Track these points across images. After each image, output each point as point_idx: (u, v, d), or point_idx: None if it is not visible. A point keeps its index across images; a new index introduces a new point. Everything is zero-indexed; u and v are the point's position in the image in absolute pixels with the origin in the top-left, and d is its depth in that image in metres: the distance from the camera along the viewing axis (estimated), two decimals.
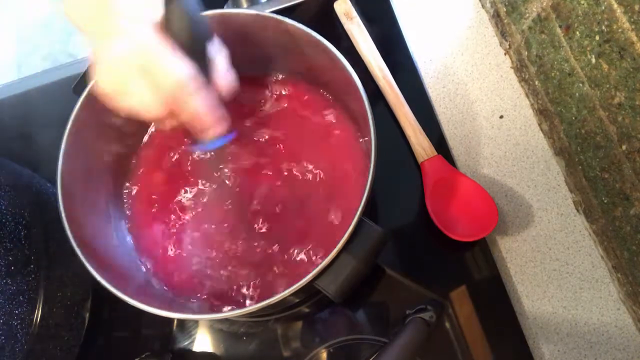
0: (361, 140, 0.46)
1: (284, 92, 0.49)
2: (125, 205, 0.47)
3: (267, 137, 0.48)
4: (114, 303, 0.36)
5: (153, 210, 0.47)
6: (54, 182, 0.39)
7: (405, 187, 0.53)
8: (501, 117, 0.55)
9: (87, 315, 0.49)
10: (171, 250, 0.45)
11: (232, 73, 0.37)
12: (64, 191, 0.39)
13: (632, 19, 0.36)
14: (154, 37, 0.30)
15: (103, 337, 0.50)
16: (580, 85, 0.44)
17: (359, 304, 0.49)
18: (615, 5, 0.37)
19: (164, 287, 0.44)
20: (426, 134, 0.53)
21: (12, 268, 0.42)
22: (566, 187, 0.52)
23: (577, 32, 0.43)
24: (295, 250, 0.44)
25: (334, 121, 0.47)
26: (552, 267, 0.50)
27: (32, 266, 0.42)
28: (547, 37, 0.48)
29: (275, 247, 0.44)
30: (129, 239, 0.46)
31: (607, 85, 0.41)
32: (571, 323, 0.48)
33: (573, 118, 0.47)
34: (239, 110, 0.49)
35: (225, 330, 0.50)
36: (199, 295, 0.43)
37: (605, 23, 0.39)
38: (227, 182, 0.47)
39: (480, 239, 0.49)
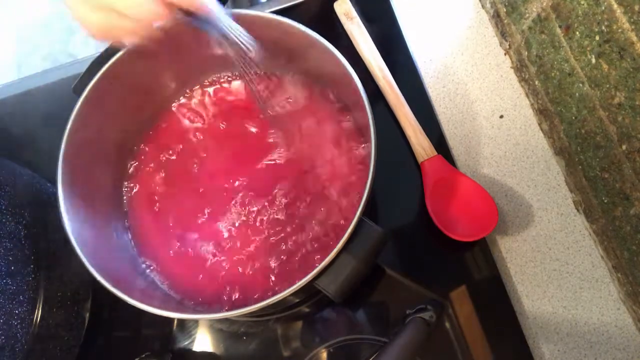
0: (361, 139, 0.46)
1: (283, 92, 0.49)
2: (125, 205, 0.47)
3: (266, 136, 0.48)
4: (114, 303, 0.36)
5: (153, 209, 0.47)
6: (54, 182, 0.39)
7: (405, 187, 0.53)
8: (501, 117, 0.55)
9: (87, 315, 0.49)
10: (171, 249, 0.45)
11: None
12: (64, 191, 0.39)
13: (632, 19, 0.36)
14: None
15: (103, 337, 0.50)
16: (580, 85, 0.44)
17: (359, 304, 0.49)
18: (615, 6, 0.37)
19: (165, 287, 0.44)
20: (426, 134, 0.53)
21: (12, 268, 0.42)
22: (566, 187, 0.52)
23: (577, 32, 0.43)
24: (296, 250, 0.44)
25: (333, 121, 0.47)
26: (552, 267, 0.50)
27: (32, 266, 0.42)
28: (547, 37, 0.48)
29: (276, 244, 0.44)
30: (129, 238, 0.46)
31: (607, 85, 0.41)
32: (571, 323, 0.48)
33: (573, 118, 0.47)
34: (239, 109, 0.49)
35: (225, 330, 0.50)
36: (200, 294, 0.43)
37: (605, 23, 0.39)
38: (226, 180, 0.47)
39: (480, 239, 0.49)
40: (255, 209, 0.45)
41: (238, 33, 0.38)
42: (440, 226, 0.49)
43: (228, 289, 0.43)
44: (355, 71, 0.39)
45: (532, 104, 0.55)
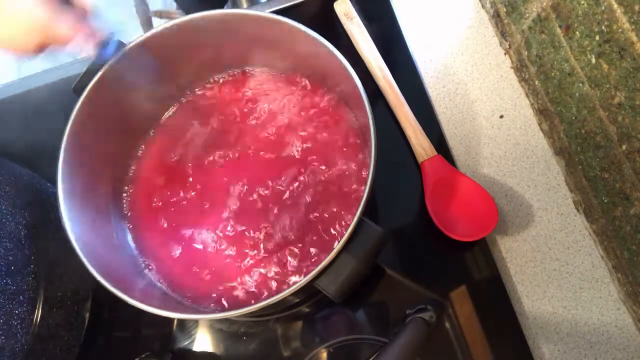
0: (361, 139, 0.46)
1: (283, 92, 0.49)
2: (125, 205, 0.47)
3: (265, 135, 0.48)
4: (114, 303, 0.36)
5: (152, 209, 0.47)
6: (54, 182, 0.39)
7: (405, 187, 0.53)
8: (501, 117, 0.55)
9: (87, 315, 0.49)
10: (171, 250, 0.45)
11: None
12: (64, 191, 0.39)
13: (632, 19, 0.36)
14: None
15: (103, 337, 0.50)
16: (580, 85, 0.44)
17: (359, 304, 0.49)
18: (615, 6, 0.37)
19: (164, 287, 0.44)
20: (426, 134, 0.53)
21: (12, 268, 0.42)
22: (566, 187, 0.52)
23: (577, 32, 0.43)
24: (295, 250, 0.44)
25: (333, 121, 0.47)
26: (552, 267, 0.50)
27: (32, 266, 0.42)
28: (547, 37, 0.48)
29: (276, 244, 0.44)
30: (129, 238, 0.46)
31: (607, 85, 0.41)
32: (571, 323, 0.48)
33: (573, 118, 0.47)
34: (238, 109, 0.49)
35: (225, 330, 0.50)
36: (200, 294, 0.43)
37: (605, 23, 0.39)
38: (226, 181, 0.47)
39: (480, 239, 0.49)
40: (254, 209, 0.45)
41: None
42: (440, 226, 0.49)
43: (228, 289, 0.43)
44: (355, 71, 0.39)
45: (532, 104, 0.55)
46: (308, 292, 0.47)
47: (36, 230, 0.44)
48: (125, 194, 0.48)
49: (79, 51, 0.36)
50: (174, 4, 1.31)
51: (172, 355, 0.49)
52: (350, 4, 0.58)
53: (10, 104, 0.59)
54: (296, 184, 0.45)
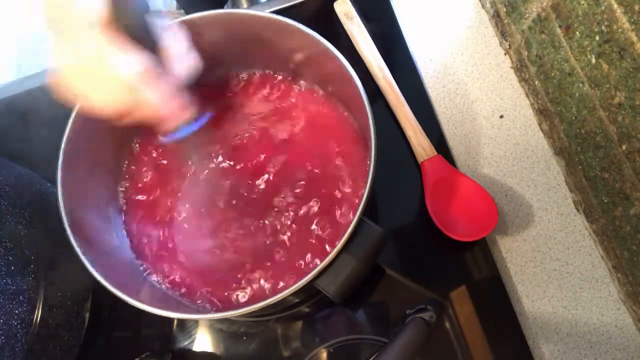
0: (361, 140, 0.46)
1: (283, 92, 0.49)
2: (124, 205, 0.47)
3: (264, 135, 0.48)
4: (114, 303, 0.36)
5: (151, 210, 0.47)
6: (54, 182, 0.39)
7: (405, 187, 0.53)
8: (501, 117, 0.55)
9: (87, 315, 0.49)
10: (170, 250, 0.45)
11: (191, 55, 0.37)
12: (64, 191, 0.39)
13: (632, 19, 0.36)
14: (102, 39, 0.31)
15: (103, 337, 0.50)
16: (580, 85, 0.44)
17: (359, 304, 0.49)
18: (615, 6, 0.37)
19: (164, 287, 0.44)
20: (426, 134, 0.53)
21: (12, 268, 0.42)
22: (566, 187, 0.52)
23: (577, 32, 0.43)
24: (295, 250, 0.44)
25: (333, 121, 0.47)
26: (552, 267, 0.50)
27: (32, 266, 0.42)
28: (547, 37, 0.48)
29: (276, 245, 0.44)
30: (127, 239, 0.46)
31: (607, 85, 0.41)
32: (571, 323, 0.48)
33: (573, 118, 0.47)
34: (237, 108, 0.49)
35: (225, 330, 0.50)
36: (199, 293, 0.43)
37: (605, 23, 0.39)
38: (226, 181, 0.47)
39: (480, 239, 0.49)
40: (253, 209, 0.45)
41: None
42: (440, 226, 0.49)
43: (227, 288, 0.43)
44: (355, 71, 0.39)
45: (532, 104, 0.55)
46: (308, 292, 0.47)
47: (36, 230, 0.44)
48: (122, 194, 0.48)
49: (167, 126, 0.36)
50: (174, 4, 1.31)
51: (172, 355, 0.49)
52: (350, 4, 0.58)
53: (10, 104, 0.59)
54: (295, 184, 0.45)
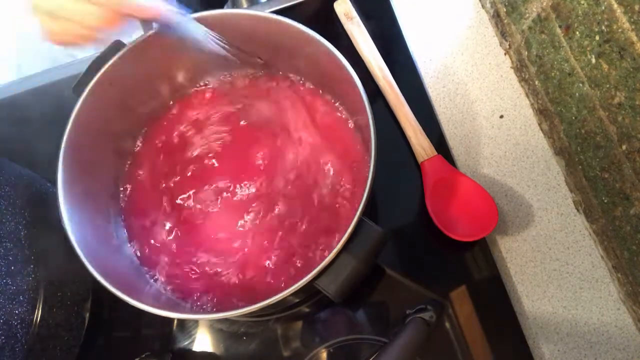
0: (361, 140, 0.46)
1: (283, 92, 0.49)
2: (123, 205, 0.47)
3: (263, 135, 0.48)
4: (114, 303, 0.36)
5: (151, 210, 0.47)
6: (54, 182, 0.39)
7: (405, 187, 0.53)
8: (501, 117, 0.55)
9: (87, 315, 0.49)
10: (169, 250, 0.45)
11: None
12: (64, 191, 0.39)
13: (632, 19, 0.36)
14: None
15: (103, 337, 0.50)
16: (580, 85, 0.44)
17: (359, 304, 0.49)
18: (615, 5, 0.37)
19: (164, 287, 0.44)
20: (426, 134, 0.53)
21: (12, 268, 0.42)
22: (566, 187, 0.52)
23: (577, 32, 0.43)
24: (294, 251, 0.44)
25: (333, 121, 0.47)
26: (552, 267, 0.50)
27: (32, 266, 0.42)
28: (547, 37, 0.48)
29: (276, 245, 0.44)
30: (127, 239, 0.46)
31: (607, 85, 0.41)
32: (571, 323, 0.48)
33: (573, 118, 0.47)
34: (236, 108, 0.49)
35: (225, 330, 0.50)
36: (199, 293, 0.43)
37: (605, 23, 0.39)
38: (225, 182, 0.47)
39: (480, 239, 0.49)
40: (253, 209, 0.45)
41: (202, 33, 0.39)
42: (440, 226, 0.49)
43: (227, 288, 0.43)
44: (355, 71, 0.39)
45: (532, 104, 0.55)
46: (308, 292, 0.47)
47: (36, 230, 0.44)
48: (122, 194, 0.48)
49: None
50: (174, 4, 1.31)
51: (172, 355, 0.49)
52: (350, 4, 0.58)
53: (10, 104, 0.59)
54: (295, 184, 0.45)
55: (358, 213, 0.35)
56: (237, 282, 0.43)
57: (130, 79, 0.44)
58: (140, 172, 0.48)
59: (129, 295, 0.35)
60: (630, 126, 0.39)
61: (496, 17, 0.57)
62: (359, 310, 0.50)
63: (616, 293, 0.48)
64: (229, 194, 0.46)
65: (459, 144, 0.54)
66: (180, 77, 0.49)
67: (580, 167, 0.48)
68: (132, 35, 0.40)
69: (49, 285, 0.43)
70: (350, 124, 0.47)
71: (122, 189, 0.48)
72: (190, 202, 0.46)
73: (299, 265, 0.43)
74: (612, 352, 0.47)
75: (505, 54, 0.57)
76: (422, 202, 0.51)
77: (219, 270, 0.44)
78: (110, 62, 0.41)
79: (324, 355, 0.48)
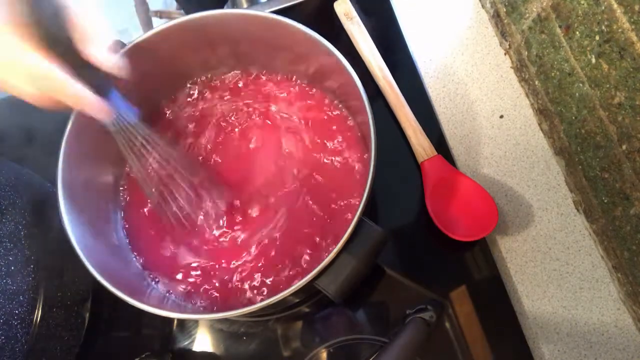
0: (361, 140, 0.46)
1: (283, 92, 0.49)
2: (124, 205, 0.47)
3: (263, 136, 0.48)
4: (114, 303, 0.36)
5: (150, 210, 0.47)
6: (54, 182, 0.39)
7: (405, 187, 0.53)
8: (501, 117, 0.55)
9: (87, 315, 0.49)
10: (169, 251, 0.45)
11: (114, 50, 0.36)
12: (64, 191, 0.39)
13: (632, 19, 0.36)
14: (12, 38, 0.31)
15: (103, 337, 0.50)
16: (580, 85, 0.44)
17: (359, 304, 0.49)
18: (615, 5, 0.37)
19: (164, 287, 0.44)
20: (426, 134, 0.53)
21: (12, 268, 0.42)
22: (566, 187, 0.52)
23: (577, 32, 0.43)
24: (294, 252, 0.44)
25: (333, 121, 0.47)
26: (552, 267, 0.50)
27: (32, 266, 0.42)
28: (547, 37, 0.48)
29: (275, 246, 0.44)
30: (127, 238, 0.46)
31: (607, 85, 0.41)
32: (571, 323, 0.48)
33: (573, 118, 0.47)
34: (236, 108, 0.49)
35: (225, 330, 0.50)
36: (199, 293, 0.43)
37: (605, 23, 0.39)
38: (225, 182, 0.47)
39: (480, 239, 0.49)
40: (253, 210, 0.45)
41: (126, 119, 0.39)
42: (440, 226, 0.49)
43: (227, 288, 0.43)
44: (355, 71, 0.39)
45: (532, 104, 0.55)
46: (308, 292, 0.47)
47: (36, 230, 0.44)
48: (122, 194, 0.48)
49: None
50: (174, 4, 1.31)
51: (172, 355, 0.49)
52: (350, 3, 0.58)
53: (11, 104, 0.59)
54: (294, 183, 0.45)
55: (358, 213, 0.35)
56: (237, 282, 0.43)
57: (130, 79, 0.44)
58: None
59: (129, 295, 0.35)
60: (630, 126, 0.39)
61: (496, 17, 0.57)
62: (359, 310, 0.50)
63: (616, 293, 0.48)
64: (228, 194, 0.46)
65: (459, 144, 0.54)
66: (182, 76, 0.49)
67: (580, 167, 0.48)
68: (132, 35, 0.40)
69: (49, 285, 0.43)
70: (350, 123, 0.47)
71: (122, 189, 0.48)
72: (191, 202, 0.46)
73: (298, 265, 0.43)
74: (612, 352, 0.47)
75: (505, 54, 0.57)
76: (422, 202, 0.51)
77: (219, 270, 0.44)
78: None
79: (324, 355, 0.48)
